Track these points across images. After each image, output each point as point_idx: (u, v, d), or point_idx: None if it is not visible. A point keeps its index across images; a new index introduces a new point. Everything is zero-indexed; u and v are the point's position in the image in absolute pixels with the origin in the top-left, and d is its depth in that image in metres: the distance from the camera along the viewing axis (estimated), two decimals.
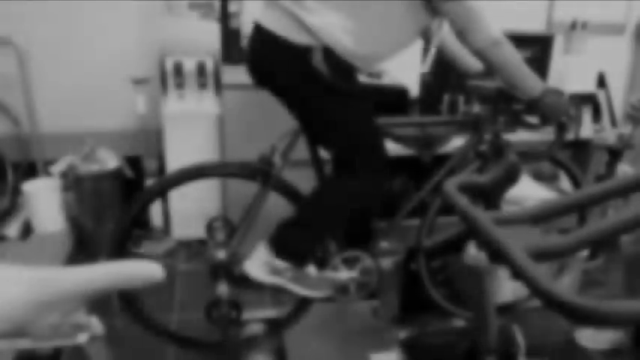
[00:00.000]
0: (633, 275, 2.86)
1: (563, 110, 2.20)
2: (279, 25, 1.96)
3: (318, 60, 1.95)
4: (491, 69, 2.11)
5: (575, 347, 2.93)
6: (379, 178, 2.16)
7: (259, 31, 2.04)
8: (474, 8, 1.95)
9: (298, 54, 1.95)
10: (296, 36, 1.94)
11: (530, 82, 2.14)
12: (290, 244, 2.19)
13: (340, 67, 1.99)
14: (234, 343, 2.39)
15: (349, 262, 2.39)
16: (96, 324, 0.71)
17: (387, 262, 2.47)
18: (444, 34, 2.17)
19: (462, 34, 2.02)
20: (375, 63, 2.14)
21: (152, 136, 3.68)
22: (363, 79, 3.02)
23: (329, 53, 1.96)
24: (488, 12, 1.98)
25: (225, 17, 3.64)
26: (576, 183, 2.64)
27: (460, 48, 2.21)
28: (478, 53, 2.04)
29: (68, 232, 3.64)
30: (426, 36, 2.35)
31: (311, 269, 2.28)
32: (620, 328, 2.83)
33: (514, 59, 2.07)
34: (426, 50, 2.89)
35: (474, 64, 2.35)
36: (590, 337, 2.93)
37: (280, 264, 2.20)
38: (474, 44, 2.01)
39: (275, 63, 2.02)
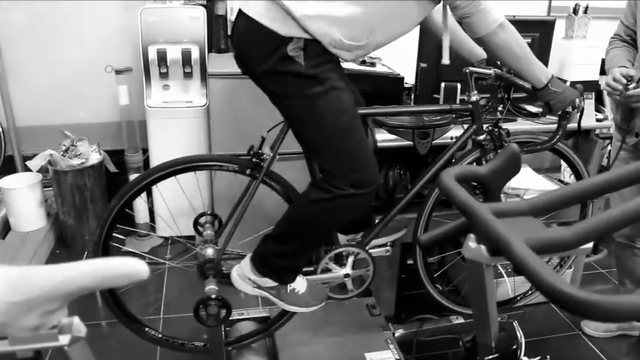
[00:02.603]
0: (622, 268, 2.90)
1: (569, 100, 2.20)
2: (263, 14, 1.93)
3: (295, 50, 1.91)
4: (496, 56, 2.11)
5: (577, 342, 2.95)
6: (359, 189, 2.05)
7: (243, 18, 2.01)
8: (478, 2, 1.95)
9: (279, 44, 1.92)
10: (280, 26, 1.91)
11: (537, 69, 2.14)
12: (272, 263, 2.18)
13: (322, 60, 1.96)
14: (224, 343, 2.39)
15: (339, 259, 2.39)
16: (78, 325, 0.71)
17: (378, 251, 2.47)
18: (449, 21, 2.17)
19: (465, 21, 2.01)
20: (368, 52, 2.12)
21: (135, 129, 3.67)
22: (355, 66, 3.01)
23: (312, 45, 1.93)
24: None
25: (211, 3, 3.63)
26: (578, 174, 2.65)
27: (465, 35, 2.20)
28: (482, 40, 2.03)
29: (48, 230, 3.63)
30: (430, 27, 2.35)
31: (299, 284, 2.27)
32: (624, 322, 2.86)
33: (520, 45, 2.07)
34: (422, 39, 2.88)
35: (479, 51, 2.34)
36: (595, 326, 2.97)
37: (265, 281, 2.21)
38: (478, 31, 2.00)
39: (255, 52, 1.99)
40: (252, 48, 2.00)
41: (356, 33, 1.96)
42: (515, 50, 2.06)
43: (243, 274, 2.22)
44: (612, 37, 2.67)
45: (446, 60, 2.15)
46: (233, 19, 3.52)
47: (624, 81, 2.43)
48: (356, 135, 2.07)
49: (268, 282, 2.21)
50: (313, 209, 2.10)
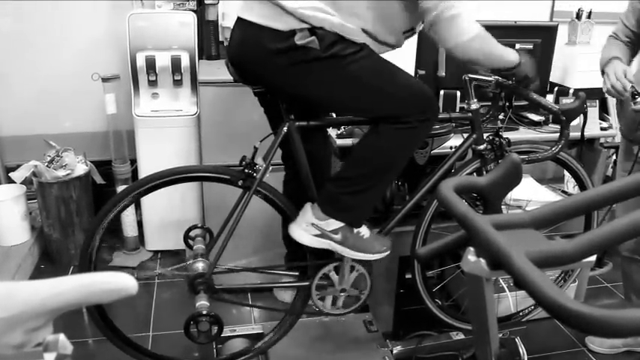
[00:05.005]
0: (628, 282, 2.90)
1: (533, 67, 2.25)
2: (260, 14, 1.97)
3: (302, 38, 1.94)
4: (465, 62, 2.13)
5: (582, 359, 2.95)
6: (430, 117, 2.16)
7: (240, 24, 2.05)
8: (452, 4, 1.95)
9: (283, 39, 1.96)
10: (277, 23, 1.95)
11: (508, 54, 2.16)
12: (345, 202, 2.19)
13: (330, 38, 1.97)
14: None
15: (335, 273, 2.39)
16: (64, 342, 0.71)
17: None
18: None
19: (433, 29, 2.02)
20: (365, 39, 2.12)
21: (123, 139, 3.66)
22: None
23: (316, 29, 1.95)
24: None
25: (201, 8, 3.64)
26: (582, 184, 2.66)
27: None
28: (451, 51, 2.05)
29: (33, 244, 3.62)
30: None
31: (364, 230, 2.28)
32: (629, 337, 2.87)
33: (491, 50, 2.09)
34: (420, 46, 2.90)
35: None
36: (600, 342, 2.97)
37: (330, 224, 2.21)
38: (447, 39, 2.01)
39: (261, 57, 2.01)
40: (255, 50, 2.03)
41: (353, 18, 1.98)
42: (487, 57, 2.09)
43: (305, 220, 2.22)
44: (610, 36, 2.68)
45: (442, 72, 2.17)
46: (225, 24, 3.57)
47: (625, 81, 2.42)
48: (402, 72, 2.15)
49: (333, 224, 2.20)
50: (395, 140, 2.13)
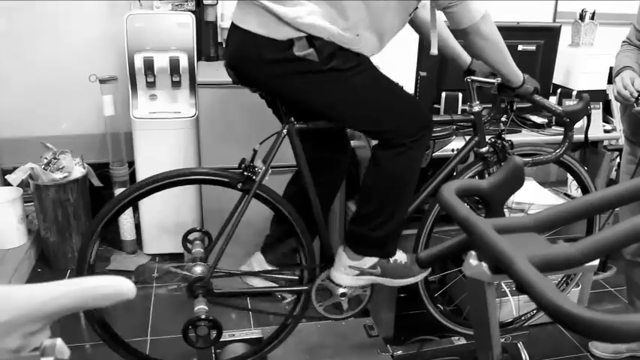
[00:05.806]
0: (631, 286, 2.90)
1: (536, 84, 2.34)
2: (256, 24, 1.96)
3: (301, 49, 1.95)
4: (479, 50, 2.12)
5: None
6: (425, 134, 2.17)
7: (236, 32, 2.04)
8: None
9: (280, 50, 1.96)
10: (274, 32, 1.94)
11: (514, 66, 2.21)
12: (372, 238, 2.22)
13: (329, 49, 1.98)
14: None
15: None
16: (61, 347, 0.71)
17: None
18: (439, 28, 2.19)
19: (448, 11, 2.03)
20: (364, 48, 2.13)
21: (121, 141, 3.66)
22: None
23: (314, 40, 1.95)
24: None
25: (200, 9, 3.64)
26: (585, 187, 2.66)
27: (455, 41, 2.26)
28: (467, 31, 2.06)
29: (29, 247, 3.62)
30: (418, 28, 2.37)
31: (400, 256, 2.32)
32: (634, 342, 2.86)
33: (501, 38, 2.11)
34: (421, 47, 2.90)
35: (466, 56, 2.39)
36: (604, 347, 2.96)
37: (366, 262, 2.25)
38: (463, 22, 2.03)
39: (260, 67, 2.01)
40: (252, 58, 2.03)
41: (349, 24, 1.98)
42: (499, 43, 2.12)
43: (342, 265, 2.27)
44: (623, 41, 2.68)
45: (434, 50, 2.18)
46: (224, 25, 3.57)
47: (633, 89, 2.43)
48: (400, 88, 2.20)
49: (369, 261, 2.26)
50: (396, 166, 2.16)
